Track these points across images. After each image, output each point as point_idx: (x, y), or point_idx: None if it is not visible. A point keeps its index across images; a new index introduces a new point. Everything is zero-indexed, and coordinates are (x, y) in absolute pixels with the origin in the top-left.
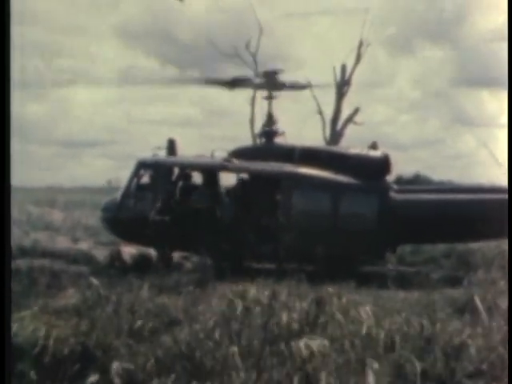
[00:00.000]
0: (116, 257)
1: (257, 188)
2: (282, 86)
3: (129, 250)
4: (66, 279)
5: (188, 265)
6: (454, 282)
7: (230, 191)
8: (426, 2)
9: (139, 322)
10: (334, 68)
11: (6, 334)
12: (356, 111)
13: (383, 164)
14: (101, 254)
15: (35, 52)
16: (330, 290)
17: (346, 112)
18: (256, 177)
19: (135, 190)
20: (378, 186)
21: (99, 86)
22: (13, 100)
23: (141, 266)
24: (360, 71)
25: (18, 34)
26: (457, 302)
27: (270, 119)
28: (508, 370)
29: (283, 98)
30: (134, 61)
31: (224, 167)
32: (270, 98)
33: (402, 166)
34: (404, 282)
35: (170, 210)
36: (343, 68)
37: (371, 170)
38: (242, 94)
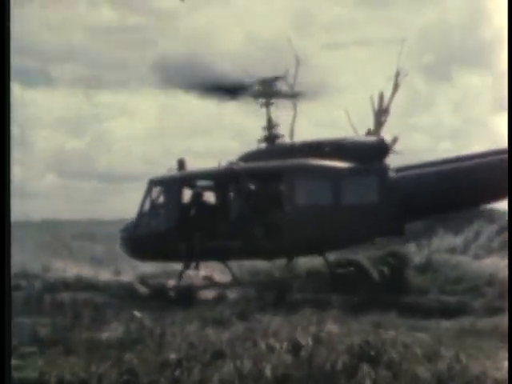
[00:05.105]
0: (159, 290)
1: (263, 184)
2: (278, 94)
3: (172, 283)
4: (109, 312)
5: (232, 296)
6: (496, 311)
7: (239, 192)
8: (462, 30)
9: (183, 355)
10: (372, 97)
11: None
12: (395, 140)
13: (379, 147)
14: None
15: (76, 87)
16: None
17: None
18: (261, 174)
19: (149, 208)
20: (377, 167)
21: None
22: (53, 135)
23: (184, 298)
24: (398, 100)
25: (58, 70)
26: (499, 332)
27: (270, 123)
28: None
29: (319, 126)
30: (173, 94)
31: (230, 170)
32: (267, 104)
33: None
34: (445, 311)
35: (180, 221)
36: (381, 97)
37: (369, 153)
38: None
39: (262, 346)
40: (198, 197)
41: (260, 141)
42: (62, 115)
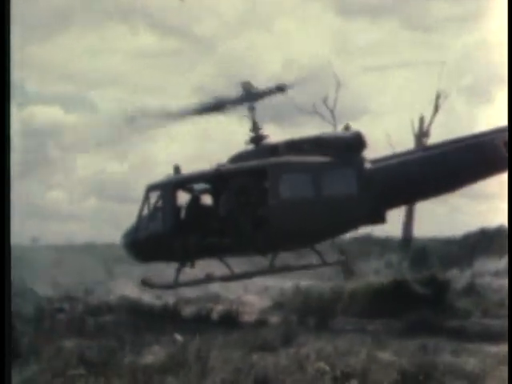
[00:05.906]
0: (205, 314)
1: (249, 182)
2: (260, 95)
3: (218, 308)
4: (152, 335)
5: (274, 319)
6: None
7: (227, 191)
8: (502, 50)
9: (226, 380)
10: (413, 121)
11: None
12: None
13: (356, 141)
14: (186, 310)
15: (117, 111)
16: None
17: None
18: (247, 172)
19: (148, 212)
20: (354, 160)
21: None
22: (94, 159)
23: (227, 322)
24: (439, 122)
25: (98, 95)
26: None
27: (255, 126)
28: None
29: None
30: (212, 118)
31: (218, 171)
32: (251, 108)
33: (486, 217)
34: (489, 335)
35: (175, 221)
36: (421, 119)
37: (345, 147)
38: None
39: (308, 370)
40: (194, 200)
41: (246, 143)
42: (103, 139)
